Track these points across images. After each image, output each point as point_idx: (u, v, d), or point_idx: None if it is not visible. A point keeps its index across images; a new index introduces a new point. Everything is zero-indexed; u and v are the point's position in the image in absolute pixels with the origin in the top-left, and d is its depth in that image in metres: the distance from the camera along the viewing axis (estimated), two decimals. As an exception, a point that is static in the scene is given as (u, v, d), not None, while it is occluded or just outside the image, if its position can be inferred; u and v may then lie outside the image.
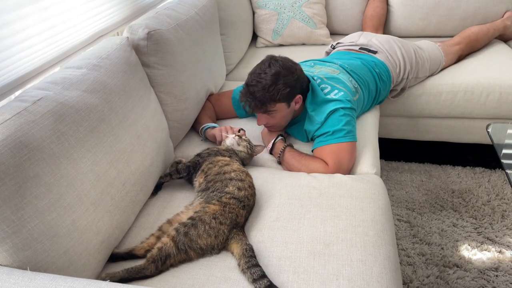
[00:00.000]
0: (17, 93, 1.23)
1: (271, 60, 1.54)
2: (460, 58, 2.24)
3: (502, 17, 2.41)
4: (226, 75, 2.27)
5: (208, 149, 1.49)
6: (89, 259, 1.03)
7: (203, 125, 1.71)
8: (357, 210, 1.25)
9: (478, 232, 1.82)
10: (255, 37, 2.68)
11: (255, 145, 1.55)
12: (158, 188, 1.43)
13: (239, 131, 1.57)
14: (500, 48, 2.31)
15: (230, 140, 1.52)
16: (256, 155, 1.57)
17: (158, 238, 1.18)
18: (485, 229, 1.84)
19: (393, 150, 2.33)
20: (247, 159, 1.53)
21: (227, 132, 1.58)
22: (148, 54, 1.48)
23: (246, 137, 1.54)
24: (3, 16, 1.16)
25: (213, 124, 1.72)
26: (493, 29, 2.34)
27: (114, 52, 1.32)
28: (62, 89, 1.10)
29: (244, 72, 2.25)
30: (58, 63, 1.41)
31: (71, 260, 0.98)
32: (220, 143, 1.60)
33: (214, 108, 1.87)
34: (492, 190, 2.05)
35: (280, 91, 1.49)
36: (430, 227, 1.86)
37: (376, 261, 1.08)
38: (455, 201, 2.00)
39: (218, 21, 2.09)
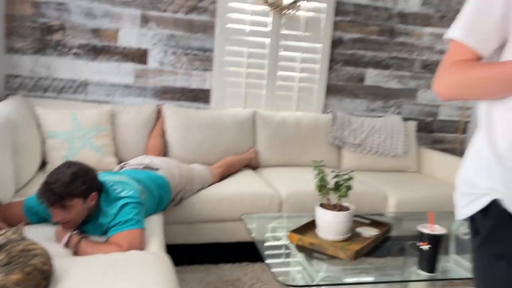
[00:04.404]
0: None
1: (69, 163, 1.81)
2: (222, 177, 2.95)
3: (247, 151, 3.33)
4: (16, 192, 2.31)
5: None
6: None
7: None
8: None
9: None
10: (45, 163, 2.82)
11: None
12: None
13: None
14: (248, 173, 3.15)
15: None
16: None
17: None
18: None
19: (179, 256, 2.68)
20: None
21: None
22: None
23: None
24: None
25: None
26: (242, 159, 3.21)
27: None
28: None
29: (34, 190, 2.34)
30: None
31: None
32: None
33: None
34: (256, 277, 2.58)
35: (78, 187, 1.74)
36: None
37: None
38: None
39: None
